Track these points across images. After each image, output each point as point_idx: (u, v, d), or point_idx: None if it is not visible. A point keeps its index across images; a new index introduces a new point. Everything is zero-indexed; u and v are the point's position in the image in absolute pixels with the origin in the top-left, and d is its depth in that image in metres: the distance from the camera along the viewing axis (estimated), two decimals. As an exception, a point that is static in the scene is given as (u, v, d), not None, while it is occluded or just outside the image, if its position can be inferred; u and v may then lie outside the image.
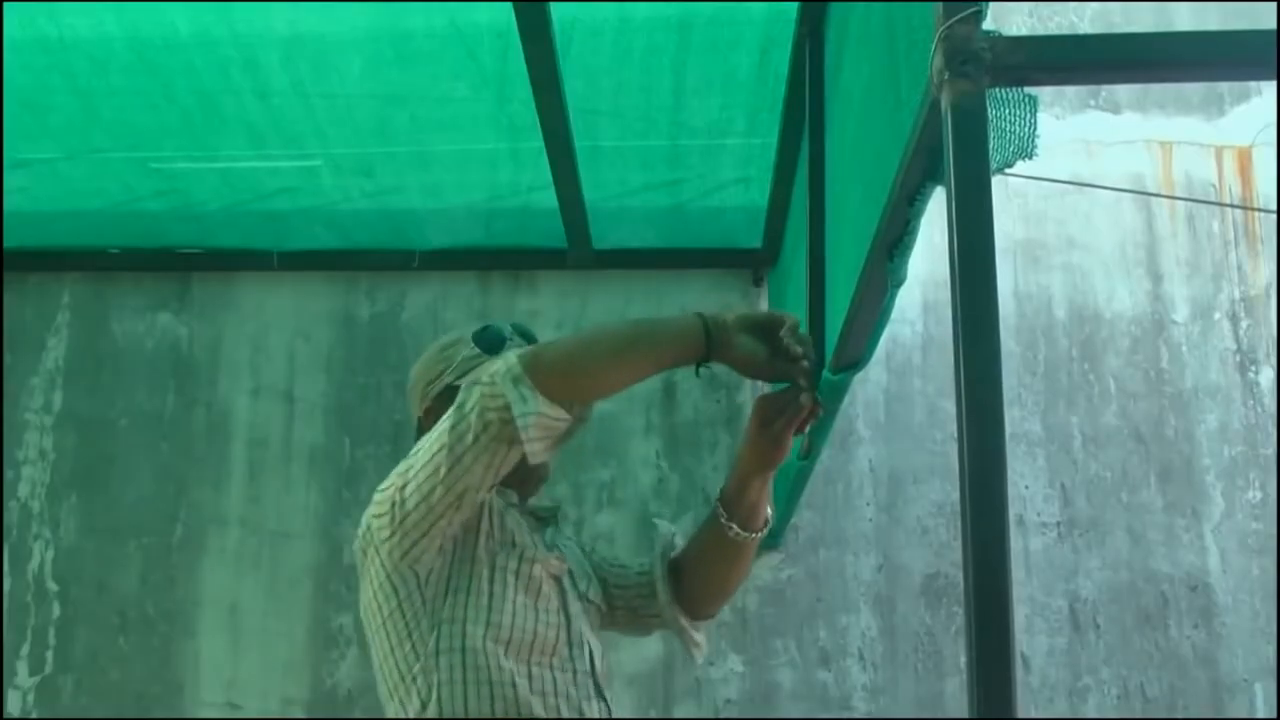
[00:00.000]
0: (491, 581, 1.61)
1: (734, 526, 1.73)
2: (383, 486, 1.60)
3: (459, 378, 1.69)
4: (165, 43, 2.49)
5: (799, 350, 1.51)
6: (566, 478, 3.29)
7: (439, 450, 1.50)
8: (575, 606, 1.71)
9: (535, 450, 1.46)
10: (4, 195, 3.02)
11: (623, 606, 1.87)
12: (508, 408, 1.43)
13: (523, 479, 1.69)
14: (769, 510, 1.77)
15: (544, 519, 1.79)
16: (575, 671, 1.64)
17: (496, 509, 1.66)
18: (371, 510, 1.62)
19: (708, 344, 1.49)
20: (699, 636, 1.87)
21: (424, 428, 1.70)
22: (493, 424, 1.45)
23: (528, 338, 1.76)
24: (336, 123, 2.81)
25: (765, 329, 1.51)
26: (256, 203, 3.16)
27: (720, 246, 3.38)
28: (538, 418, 1.43)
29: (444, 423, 1.51)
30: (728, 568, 1.80)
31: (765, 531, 1.76)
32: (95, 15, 2.41)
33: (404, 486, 1.54)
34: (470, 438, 1.47)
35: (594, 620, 1.79)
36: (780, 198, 2.95)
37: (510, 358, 1.47)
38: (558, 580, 1.69)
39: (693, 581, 1.83)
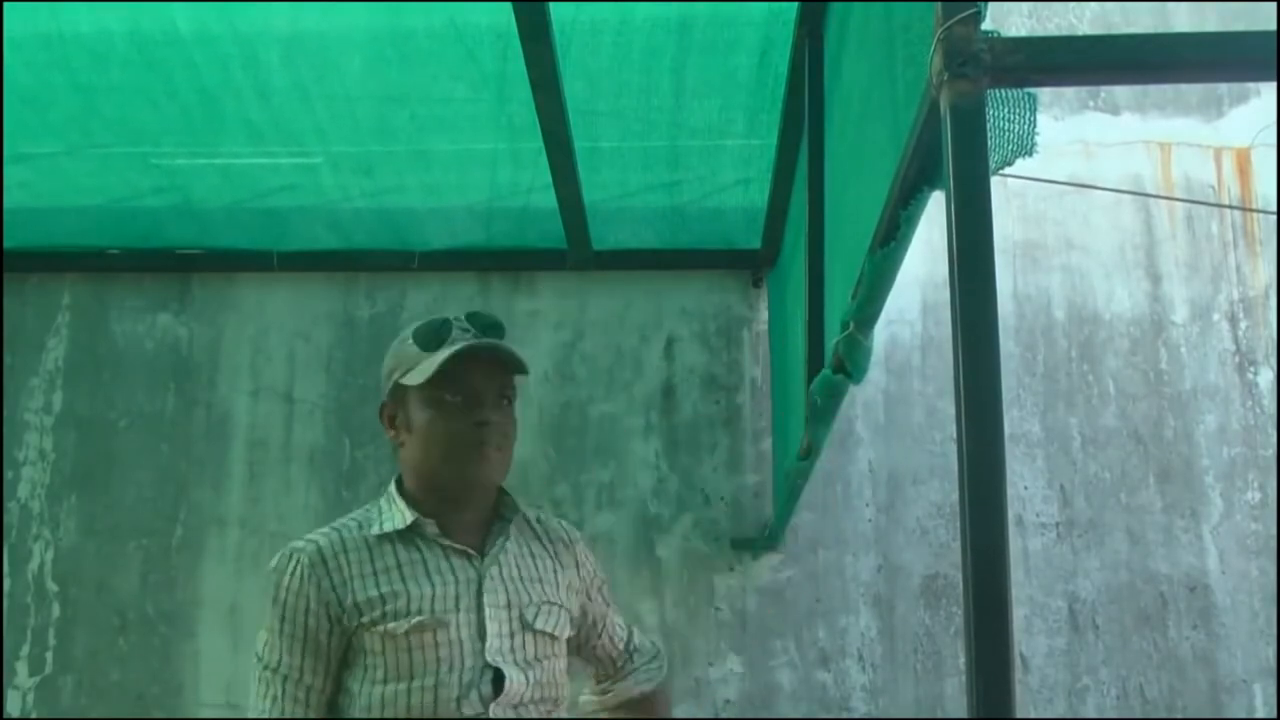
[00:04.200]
0: (364, 666, 1.63)
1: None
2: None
3: (405, 374, 1.66)
4: (166, 39, 2.49)
5: None
6: (566, 478, 3.30)
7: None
8: (493, 641, 1.63)
9: None
10: (5, 192, 3.02)
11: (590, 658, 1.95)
12: None
13: (450, 502, 1.69)
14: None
15: (467, 551, 1.67)
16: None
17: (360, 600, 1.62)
18: None
19: None
20: None
21: (382, 421, 1.73)
22: None
23: (487, 327, 1.67)
24: (336, 121, 2.82)
25: None
26: (256, 200, 3.17)
27: (720, 247, 3.38)
28: None
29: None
30: None
31: None
32: (96, 11, 2.42)
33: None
34: None
35: (545, 649, 1.70)
36: (779, 199, 2.95)
37: None
38: (447, 626, 1.61)
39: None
